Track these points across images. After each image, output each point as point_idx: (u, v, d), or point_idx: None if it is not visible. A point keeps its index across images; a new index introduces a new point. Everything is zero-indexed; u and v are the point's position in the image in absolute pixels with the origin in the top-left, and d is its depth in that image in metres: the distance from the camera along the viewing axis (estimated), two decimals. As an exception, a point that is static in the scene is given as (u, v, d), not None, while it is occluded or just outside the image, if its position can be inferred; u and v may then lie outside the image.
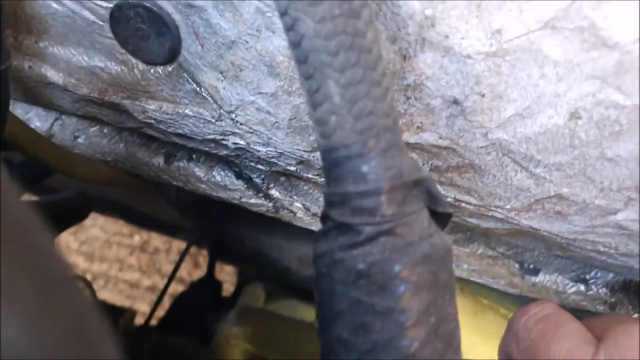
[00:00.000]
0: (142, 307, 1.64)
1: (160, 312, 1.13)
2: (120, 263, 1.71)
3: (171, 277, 1.04)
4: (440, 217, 0.28)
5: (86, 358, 0.16)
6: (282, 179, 0.55)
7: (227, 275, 1.45)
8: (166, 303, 1.14)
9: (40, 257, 0.15)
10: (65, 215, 0.63)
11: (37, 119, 0.58)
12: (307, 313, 1.00)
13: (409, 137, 0.37)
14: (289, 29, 0.25)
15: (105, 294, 1.66)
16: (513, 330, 0.34)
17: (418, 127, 0.37)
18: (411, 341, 0.25)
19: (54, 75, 0.46)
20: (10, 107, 0.43)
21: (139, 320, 1.07)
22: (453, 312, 0.27)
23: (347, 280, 0.26)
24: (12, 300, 0.14)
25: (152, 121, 0.46)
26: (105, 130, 0.57)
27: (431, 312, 0.26)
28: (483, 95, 0.34)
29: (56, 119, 0.58)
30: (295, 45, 0.25)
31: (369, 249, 0.25)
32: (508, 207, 0.40)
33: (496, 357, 0.38)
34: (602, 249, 0.42)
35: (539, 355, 0.31)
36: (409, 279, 0.25)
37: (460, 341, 0.27)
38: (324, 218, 0.27)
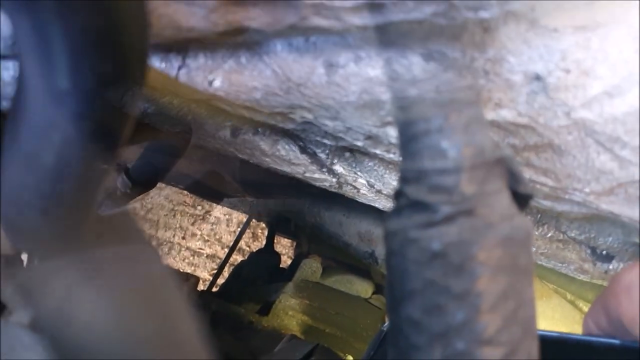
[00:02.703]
0: (203, 274, 1.69)
1: (219, 280, 1.16)
2: (183, 231, 1.76)
3: (232, 248, 1.06)
4: (521, 198, 0.27)
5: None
6: (347, 154, 0.54)
7: (283, 248, 1.47)
8: (225, 272, 1.17)
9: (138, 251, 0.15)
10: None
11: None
12: (362, 289, 1.00)
13: (485, 113, 0.36)
14: (369, -3, 0.24)
15: (169, 260, 1.73)
16: (622, 284, 0.31)
17: (496, 103, 0.35)
18: (487, 325, 0.24)
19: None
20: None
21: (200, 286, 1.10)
22: (531, 297, 0.26)
23: (421, 260, 0.25)
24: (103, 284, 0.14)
25: (222, 93, 0.46)
26: (174, 102, 0.57)
27: (509, 296, 0.24)
28: (568, 72, 0.32)
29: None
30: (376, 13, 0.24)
31: (446, 229, 0.24)
32: (587, 190, 0.38)
33: None
34: (687, 237, 0.40)
35: None
36: (487, 262, 0.24)
37: (537, 327, 0.26)
38: (398, 194, 0.26)
